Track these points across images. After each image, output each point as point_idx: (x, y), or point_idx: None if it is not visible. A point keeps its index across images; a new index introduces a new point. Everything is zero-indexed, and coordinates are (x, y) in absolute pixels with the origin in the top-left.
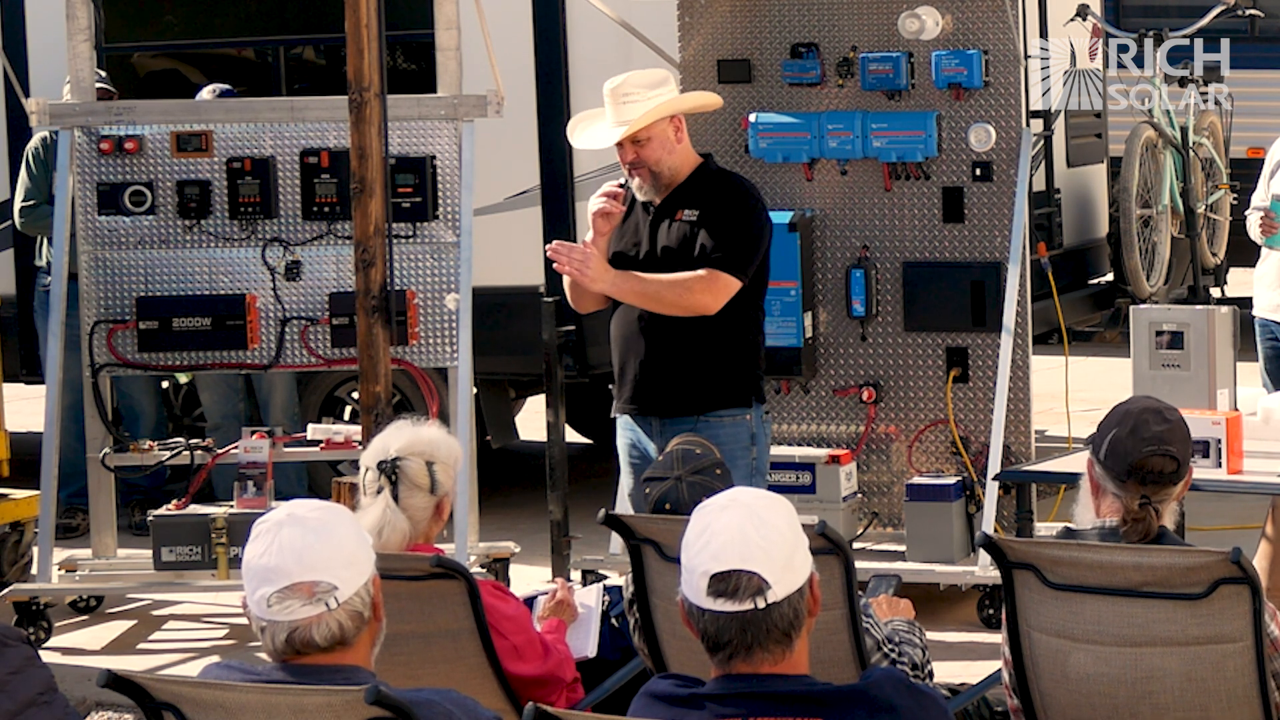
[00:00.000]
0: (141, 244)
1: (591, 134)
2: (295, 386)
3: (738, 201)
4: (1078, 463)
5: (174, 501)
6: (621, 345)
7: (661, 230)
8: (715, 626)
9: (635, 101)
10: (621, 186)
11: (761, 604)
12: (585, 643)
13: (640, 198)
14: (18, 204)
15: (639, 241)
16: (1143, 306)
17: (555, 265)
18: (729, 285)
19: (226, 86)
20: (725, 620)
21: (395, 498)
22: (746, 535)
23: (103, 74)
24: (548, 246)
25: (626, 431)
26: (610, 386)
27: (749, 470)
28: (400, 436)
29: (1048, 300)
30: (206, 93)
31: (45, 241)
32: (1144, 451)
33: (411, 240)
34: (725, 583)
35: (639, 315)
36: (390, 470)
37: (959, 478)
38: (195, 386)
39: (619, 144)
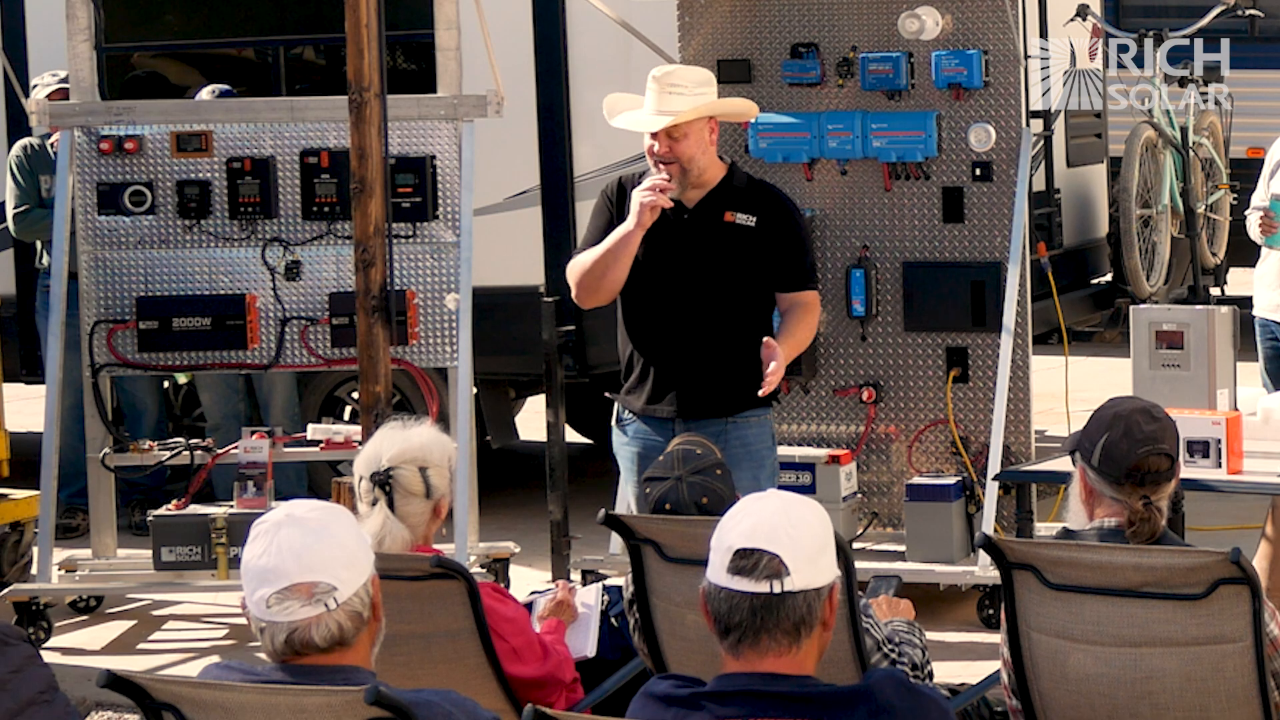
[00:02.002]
0: (141, 244)
1: (632, 118)
2: (295, 387)
3: (796, 213)
4: None
5: (174, 501)
6: (646, 349)
7: (701, 233)
8: (728, 605)
9: (682, 94)
10: (667, 180)
11: (778, 588)
12: (585, 643)
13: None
14: (10, 211)
15: (670, 242)
16: (1143, 306)
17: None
18: (819, 302)
19: (225, 87)
20: (739, 599)
21: (391, 507)
22: (778, 521)
23: (61, 73)
24: (768, 377)
25: (638, 439)
26: (607, 394)
27: (773, 470)
28: (391, 444)
29: (1048, 300)
30: (205, 93)
31: (44, 244)
32: (1140, 453)
33: (411, 240)
34: (746, 559)
35: (665, 319)
36: (384, 481)
37: (959, 478)
38: (195, 387)
39: (654, 136)
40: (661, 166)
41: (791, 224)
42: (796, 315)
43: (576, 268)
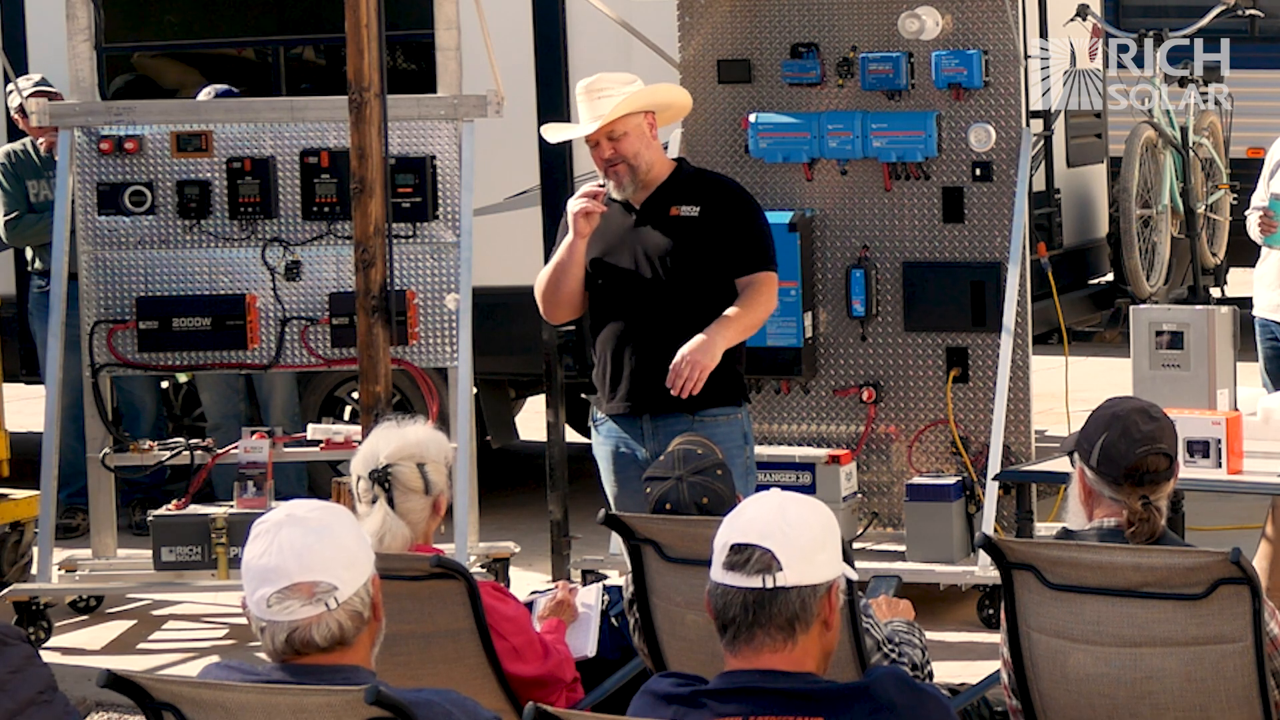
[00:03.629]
0: (141, 244)
1: (567, 129)
2: (295, 387)
3: (742, 198)
4: None
5: (174, 501)
6: (611, 346)
7: (649, 229)
8: (724, 601)
9: (610, 97)
10: (601, 186)
11: (770, 583)
12: (585, 642)
13: (617, 197)
14: (1, 219)
15: (622, 243)
16: (1143, 306)
17: (680, 389)
18: (776, 281)
19: (225, 87)
20: (732, 595)
21: (391, 504)
22: (772, 517)
23: (41, 76)
24: (674, 378)
25: (611, 439)
26: (583, 395)
27: (744, 469)
28: (388, 442)
29: (1048, 300)
30: (206, 93)
31: (36, 249)
32: (1138, 453)
33: (411, 240)
34: (739, 554)
35: (623, 319)
36: (382, 478)
37: (959, 478)
38: (195, 386)
39: (596, 143)
40: (610, 172)
41: (737, 209)
42: (743, 296)
43: (537, 286)
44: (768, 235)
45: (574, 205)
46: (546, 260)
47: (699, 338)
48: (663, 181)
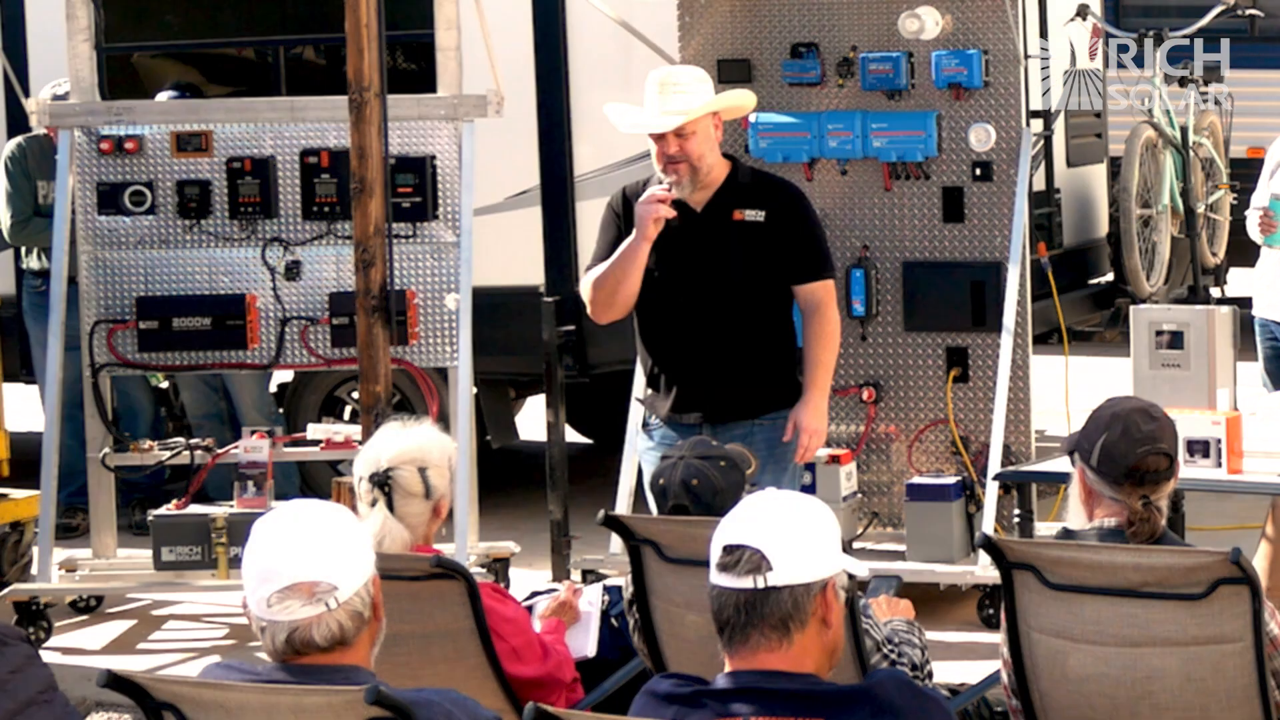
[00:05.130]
0: (141, 244)
1: (642, 121)
2: (264, 382)
3: (804, 202)
4: None
5: (174, 501)
6: (668, 356)
7: (712, 233)
8: (719, 603)
9: (684, 93)
10: (667, 189)
11: (761, 584)
12: (585, 643)
13: (676, 196)
14: (6, 219)
15: (683, 246)
16: (1143, 306)
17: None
18: (834, 289)
19: (178, 91)
20: (726, 597)
21: (391, 508)
22: (762, 517)
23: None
24: (802, 453)
25: (664, 444)
26: (637, 398)
27: (795, 473)
28: (390, 445)
29: (1048, 300)
30: (161, 96)
31: (40, 250)
32: (1139, 452)
33: (411, 240)
34: (730, 555)
35: (684, 324)
36: (383, 482)
37: (959, 478)
38: (178, 386)
39: (663, 136)
40: (670, 168)
41: (800, 214)
42: (814, 333)
43: (589, 285)
44: (824, 239)
45: (643, 209)
46: (584, 261)
47: (806, 405)
48: (721, 184)
